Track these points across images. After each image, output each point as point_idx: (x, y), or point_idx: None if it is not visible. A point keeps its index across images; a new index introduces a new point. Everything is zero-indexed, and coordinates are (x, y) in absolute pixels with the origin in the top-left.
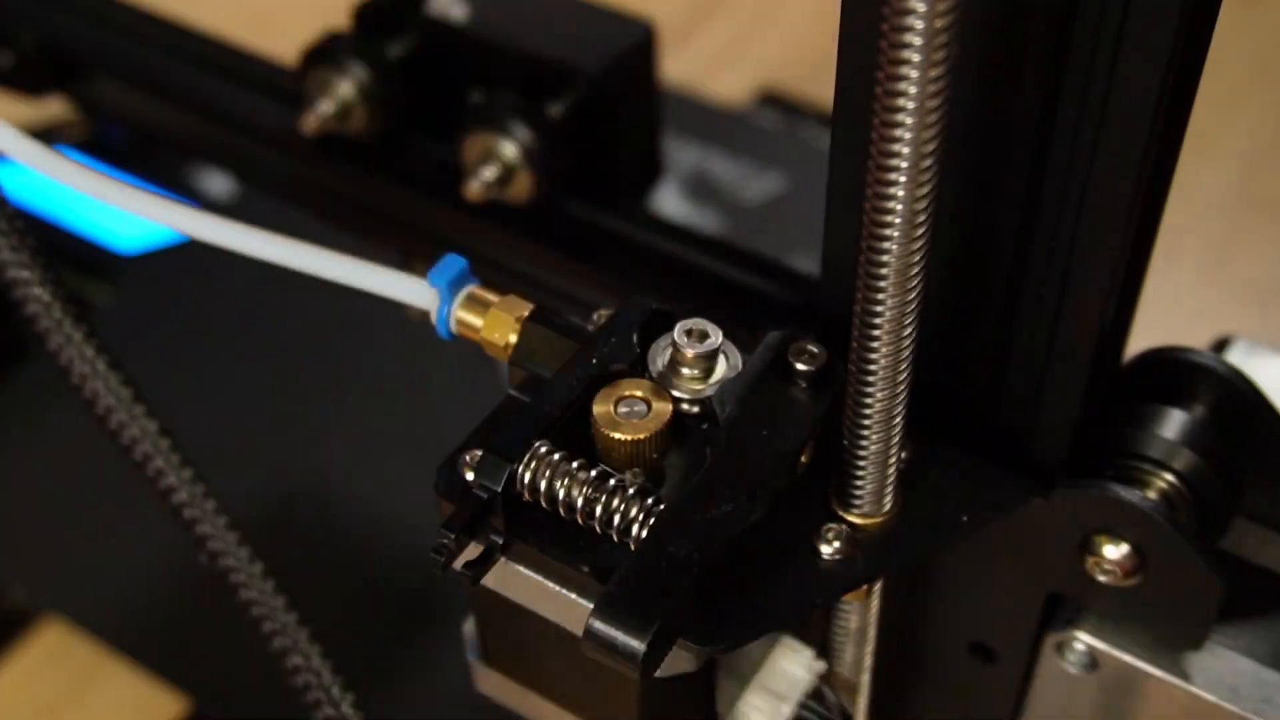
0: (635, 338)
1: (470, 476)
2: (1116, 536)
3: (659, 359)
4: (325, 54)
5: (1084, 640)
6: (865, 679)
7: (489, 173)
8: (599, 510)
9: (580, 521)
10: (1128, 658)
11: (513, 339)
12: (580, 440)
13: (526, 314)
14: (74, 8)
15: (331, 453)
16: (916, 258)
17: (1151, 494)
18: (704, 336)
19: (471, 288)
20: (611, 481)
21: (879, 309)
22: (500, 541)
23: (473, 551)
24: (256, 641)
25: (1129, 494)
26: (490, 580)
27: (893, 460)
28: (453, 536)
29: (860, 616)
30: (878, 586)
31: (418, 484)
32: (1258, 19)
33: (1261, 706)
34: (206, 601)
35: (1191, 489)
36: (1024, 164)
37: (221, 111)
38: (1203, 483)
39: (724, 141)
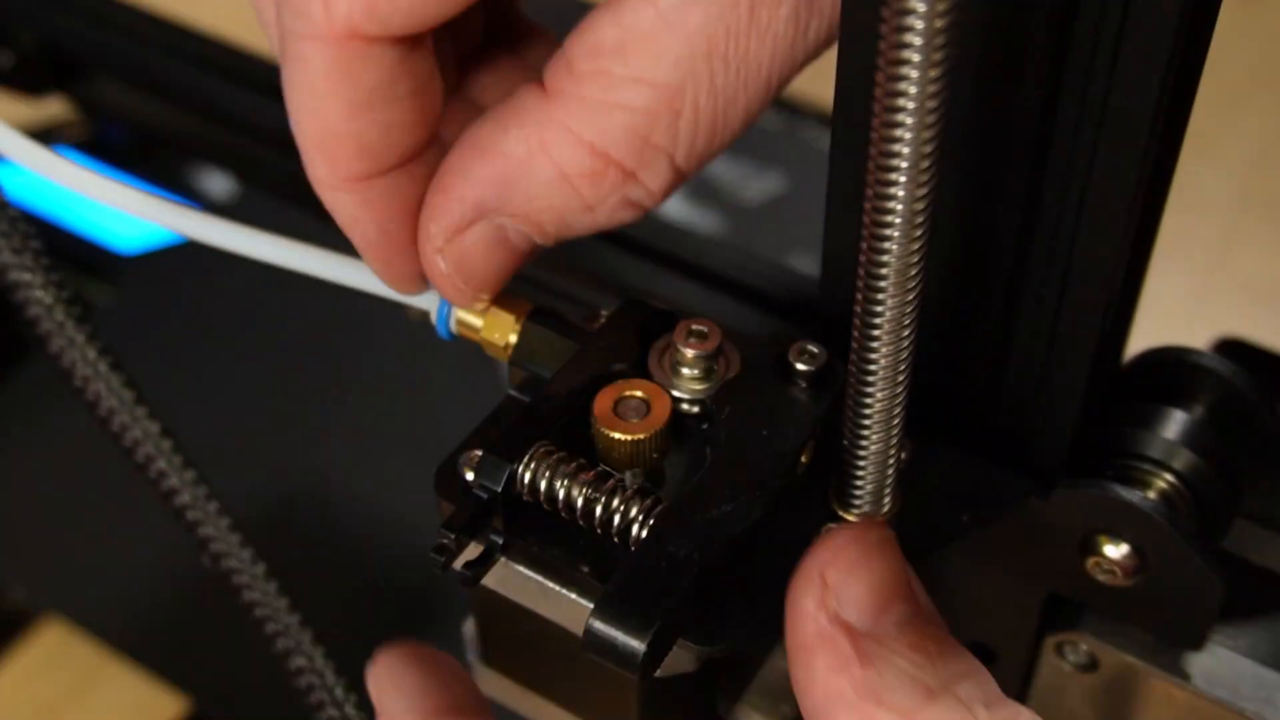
0: (635, 338)
1: (470, 476)
2: (1116, 536)
3: (659, 359)
4: None
5: (1084, 640)
6: None
7: None
8: (599, 510)
9: (580, 521)
10: (1128, 658)
11: (513, 339)
12: (580, 440)
13: (526, 314)
14: (74, 8)
15: (331, 453)
16: (916, 258)
17: (1151, 494)
18: (704, 336)
19: None
20: (611, 481)
21: (879, 309)
22: (500, 541)
23: (473, 551)
24: (257, 642)
25: (1129, 494)
26: (490, 580)
27: (893, 460)
28: (453, 536)
29: None
30: None
31: (418, 484)
32: (1258, 19)
33: (1261, 706)
34: (207, 602)
35: (1191, 489)
36: (1024, 164)
37: (221, 111)
38: (1203, 483)
39: None
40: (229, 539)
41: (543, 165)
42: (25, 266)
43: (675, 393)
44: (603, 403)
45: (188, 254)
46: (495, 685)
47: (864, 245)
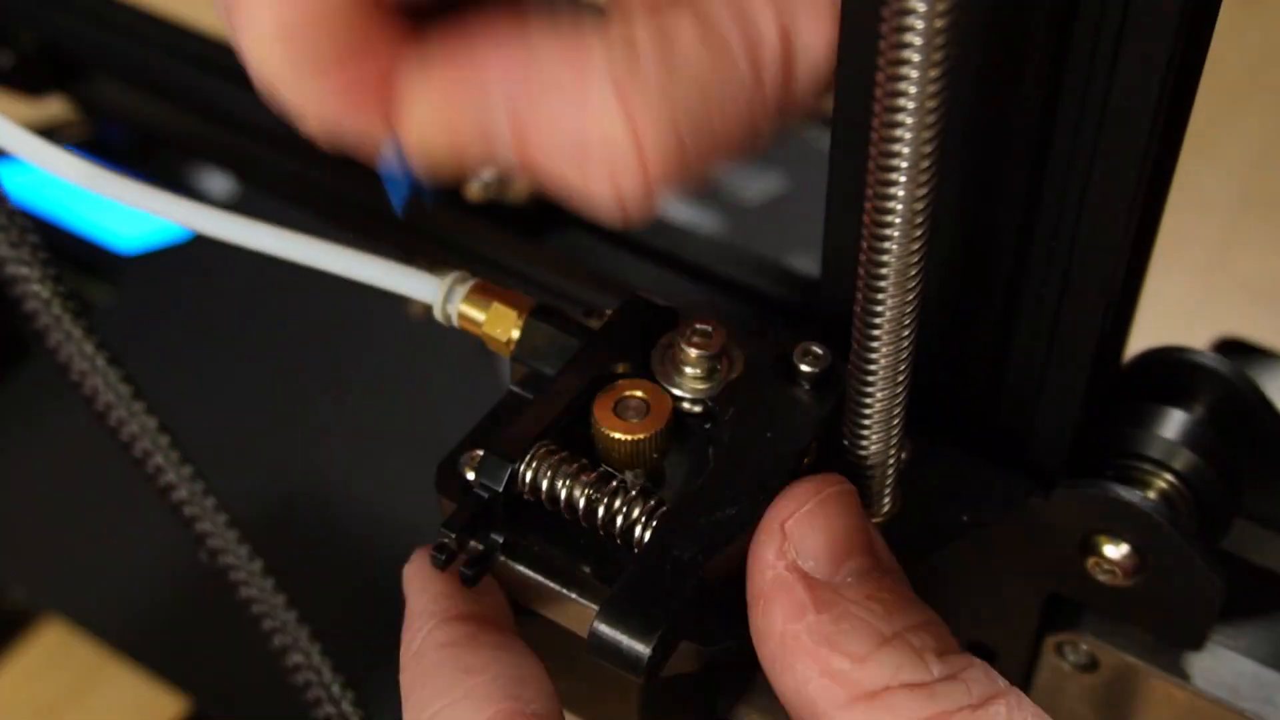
0: (638, 336)
1: (471, 475)
2: (1116, 536)
3: (661, 358)
4: None
5: (1084, 640)
6: None
7: (489, 173)
8: (600, 511)
9: (581, 522)
10: (1128, 658)
11: (515, 335)
12: (581, 440)
13: (529, 310)
14: (74, 8)
15: (331, 452)
16: (916, 258)
17: (1151, 494)
18: (707, 336)
19: (474, 282)
20: (613, 482)
21: (879, 309)
22: (500, 541)
23: (473, 550)
24: (257, 642)
25: (1129, 494)
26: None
27: (893, 460)
28: (453, 536)
29: None
30: None
31: (418, 483)
32: (1258, 19)
33: (1261, 706)
34: (207, 602)
35: (1191, 489)
36: (1024, 164)
37: (221, 111)
38: (1203, 483)
39: None
40: (226, 535)
41: None
42: (23, 261)
43: (677, 392)
44: (603, 403)
45: (188, 254)
46: None
47: (864, 245)
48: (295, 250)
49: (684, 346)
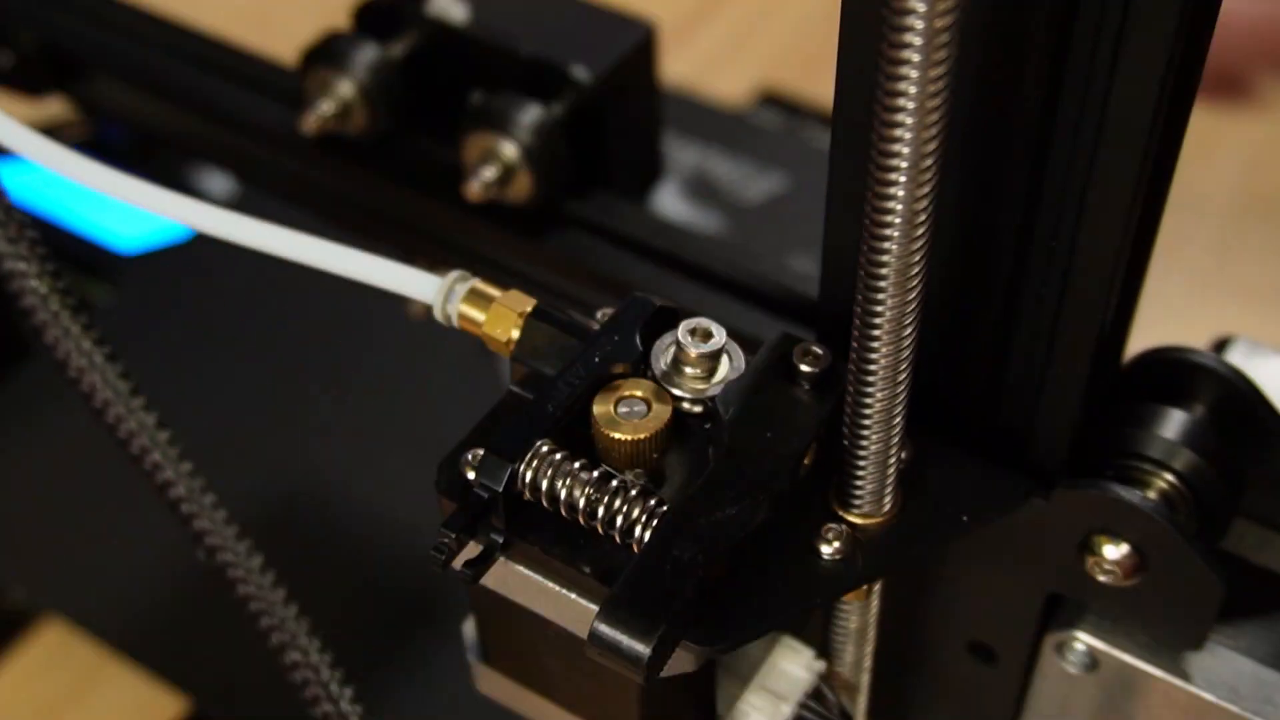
0: (638, 336)
1: (471, 475)
2: (1116, 536)
3: (662, 358)
4: (325, 54)
5: (1084, 640)
6: (865, 679)
7: (489, 173)
8: (601, 511)
9: (582, 522)
10: (1128, 658)
11: (515, 334)
12: (581, 440)
13: (529, 310)
14: (74, 8)
15: (331, 452)
16: (916, 258)
17: (1151, 494)
18: (708, 336)
19: (474, 282)
20: (614, 482)
21: (879, 309)
22: (500, 541)
23: (473, 550)
24: (258, 642)
25: (1129, 494)
26: (490, 580)
27: (893, 460)
28: (453, 535)
29: (860, 616)
30: (878, 586)
31: (418, 484)
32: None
33: (1261, 706)
34: (208, 602)
35: (1191, 489)
36: (1024, 164)
37: (221, 111)
38: (1203, 483)
39: (724, 141)
40: (224, 532)
41: None
42: (20, 257)
43: (678, 392)
44: (603, 403)
45: (188, 254)
46: (495, 685)
47: (864, 245)
48: (295, 250)
49: (684, 346)
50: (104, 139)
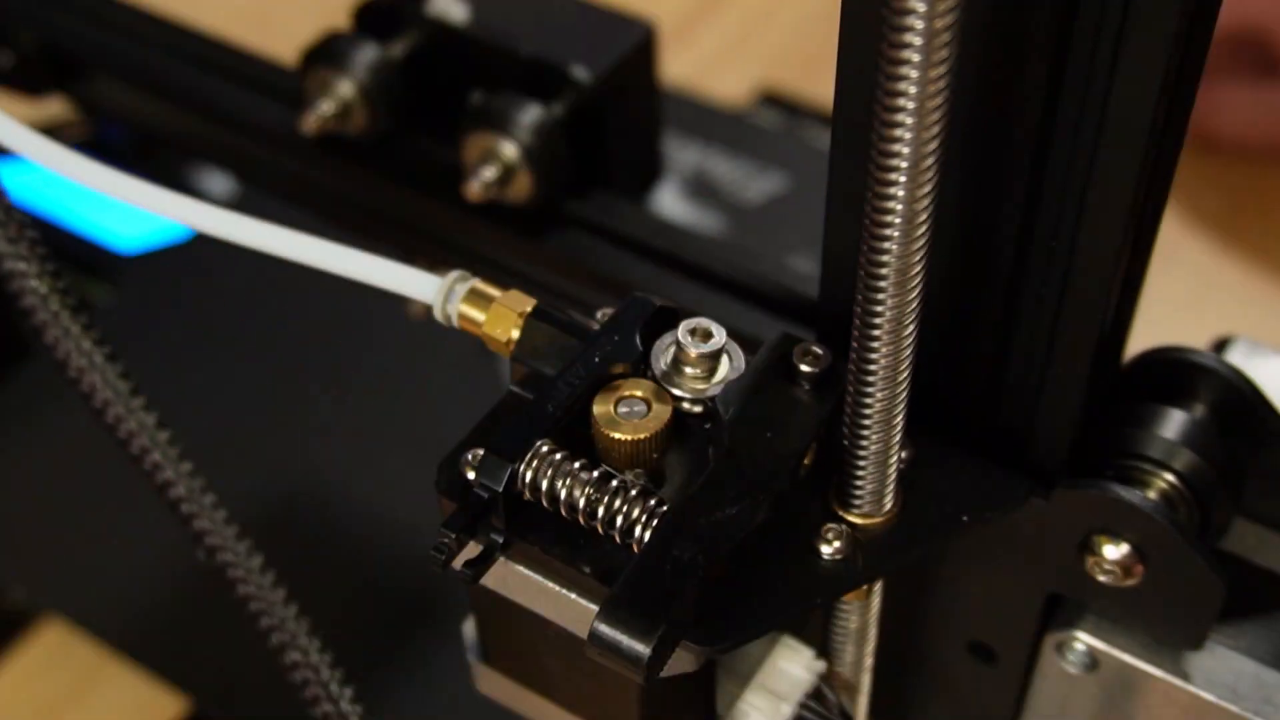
0: (638, 336)
1: (471, 475)
2: (1116, 536)
3: (662, 358)
4: (325, 54)
5: (1084, 640)
6: (865, 679)
7: (489, 173)
8: (601, 511)
9: (582, 522)
10: (1128, 658)
11: (515, 334)
12: (581, 440)
13: (529, 310)
14: (74, 8)
15: (331, 452)
16: (916, 258)
17: (1152, 494)
18: (708, 336)
19: (474, 282)
20: (614, 482)
21: (879, 309)
22: (500, 541)
23: (473, 550)
24: (258, 642)
25: (1129, 494)
26: (490, 580)
27: (893, 460)
28: (453, 535)
29: (860, 616)
30: (878, 586)
31: (418, 484)
32: None
33: (1261, 706)
34: (208, 602)
35: (1192, 489)
36: (1024, 164)
37: (221, 111)
38: (1203, 483)
39: (724, 141)
40: (223, 532)
41: None
42: (20, 256)
43: (678, 392)
44: (602, 403)
45: (188, 254)
46: (495, 685)
47: (864, 245)
48: (295, 250)
49: (684, 346)
50: (104, 139)
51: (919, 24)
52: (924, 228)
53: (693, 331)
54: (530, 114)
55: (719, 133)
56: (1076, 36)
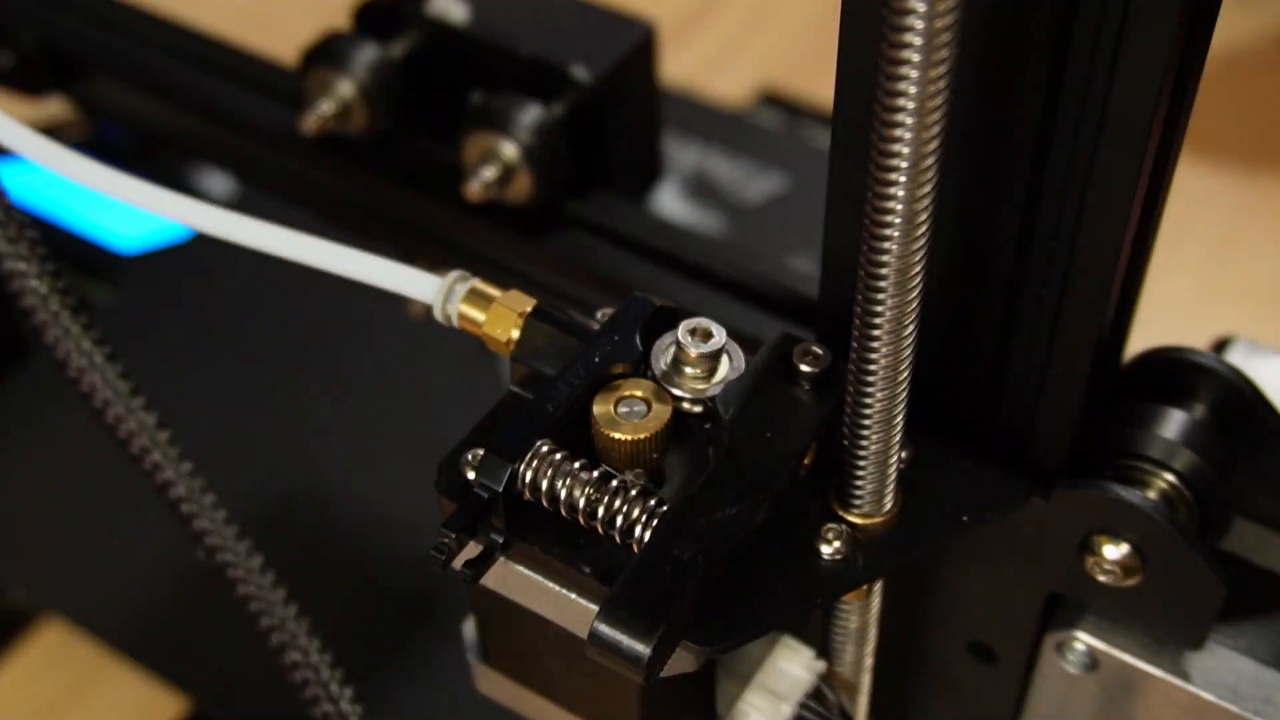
0: (638, 336)
1: (471, 475)
2: (1116, 536)
3: (662, 358)
4: (325, 54)
5: (1084, 640)
6: (865, 679)
7: (489, 173)
8: (601, 511)
9: (582, 522)
10: (1128, 658)
11: (515, 334)
12: (581, 440)
13: (529, 310)
14: (74, 8)
15: (331, 452)
16: (916, 258)
17: (1152, 494)
18: (708, 336)
19: (474, 282)
20: (614, 482)
21: (879, 309)
22: (500, 541)
23: (473, 550)
24: (257, 642)
25: (1129, 494)
26: (490, 580)
27: (893, 460)
28: (453, 535)
29: (860, 616)
30: (878, 586)
31: (418, 484)
32: (1257, 19)
33: (1261, 706)
34: (208, 602)
35: (1192, 489)
36: (1024, 164)
37: (221, 111)
38: (1203, 483)
39: (724, 141)
40: (223, 532)
41: None
42: (20, 256)
43: (678, 392)
44: (603, 403)
45: (188, 254)
46: (495, 685)
47: (864, 245)
48: (295, 250)
49: (684, 346)
50: (104, 139)
51: (919, 24)
52: (924, 228)
53: (693, 331)
54: (530, 114)
55: (719, 133)
56: (1076, 36)
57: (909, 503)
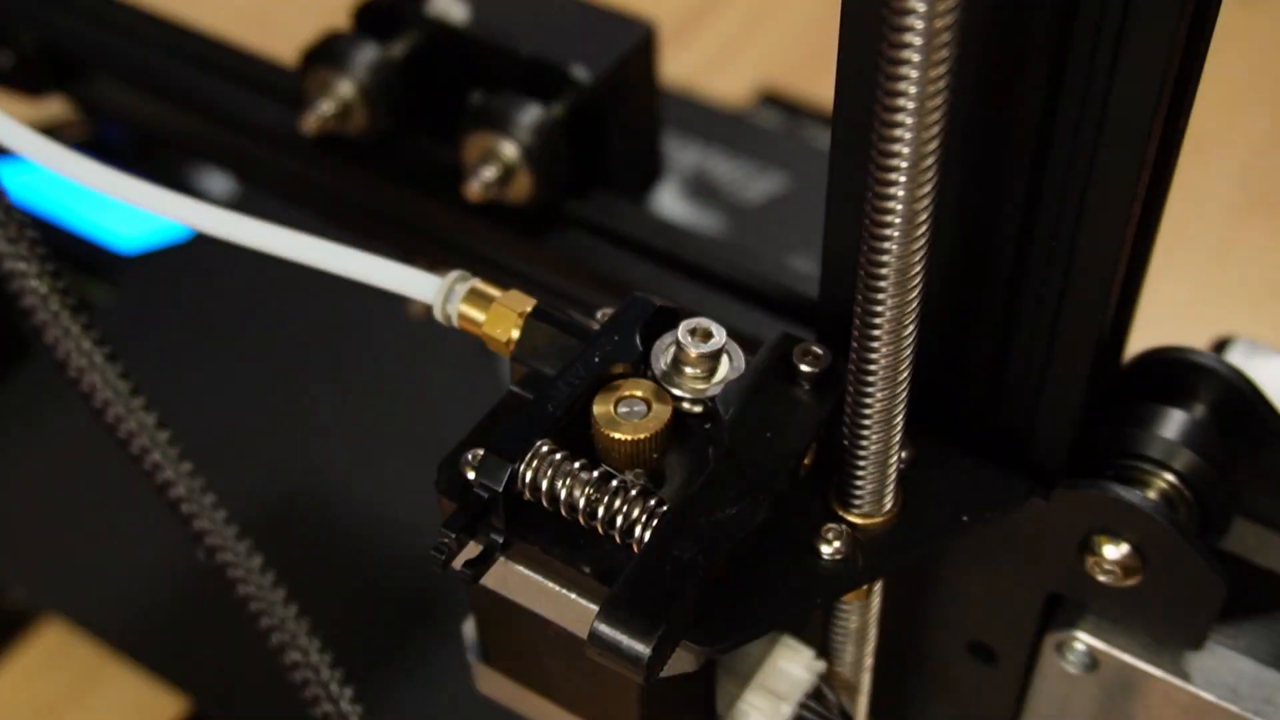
0: (638, 336)
1: (471, 475)
2: (1116, 536)
3: (662, 358)
4: (325, 54)
5: (1084, 640)
6: (865, 679)
7: (489, 173)
8: (601, 511)
9: (582, 522)
10: (1128, 658)
11: (515, 334)
12: (581, 440)
13: (529, 310)
14: (74, 8)
15: (331, 452)
16: (916, 258)
17: (1152, 494)
18: (708, 336)
19: (474, 282)
20: (614, 482)
21: (879, 309)
22: (500, 541)
23: (473, 550)
24: (257, 642)
25: (1129, 494)
26: (490, 580)
27: (893, 460)
28: (453, 535)
29: (860, 616)
30: (878, 586)
31: (418, 484)
32: (1257, 20)
33: (1261, 706)
34: (208, 602)
35: (1191, 489)
36: (1024, 164)
37: (221, 111)
38: (1203, 483)
39: (724, 141)
40: (223, 532)
41: None
42: (20, 256)
43: (678, 392)
44: (603, 403)
45: (188, 254)
46: (495, 685)
47: (864, 245)
48: (295, 250)
49: (684, 346)
50: (104, 139)
51: (919, 24)
52: (924, 228)
53: (693, 331)
54: (530, 114)
55: (719, 133)
56: (1076, 36)
57: (909, 503)
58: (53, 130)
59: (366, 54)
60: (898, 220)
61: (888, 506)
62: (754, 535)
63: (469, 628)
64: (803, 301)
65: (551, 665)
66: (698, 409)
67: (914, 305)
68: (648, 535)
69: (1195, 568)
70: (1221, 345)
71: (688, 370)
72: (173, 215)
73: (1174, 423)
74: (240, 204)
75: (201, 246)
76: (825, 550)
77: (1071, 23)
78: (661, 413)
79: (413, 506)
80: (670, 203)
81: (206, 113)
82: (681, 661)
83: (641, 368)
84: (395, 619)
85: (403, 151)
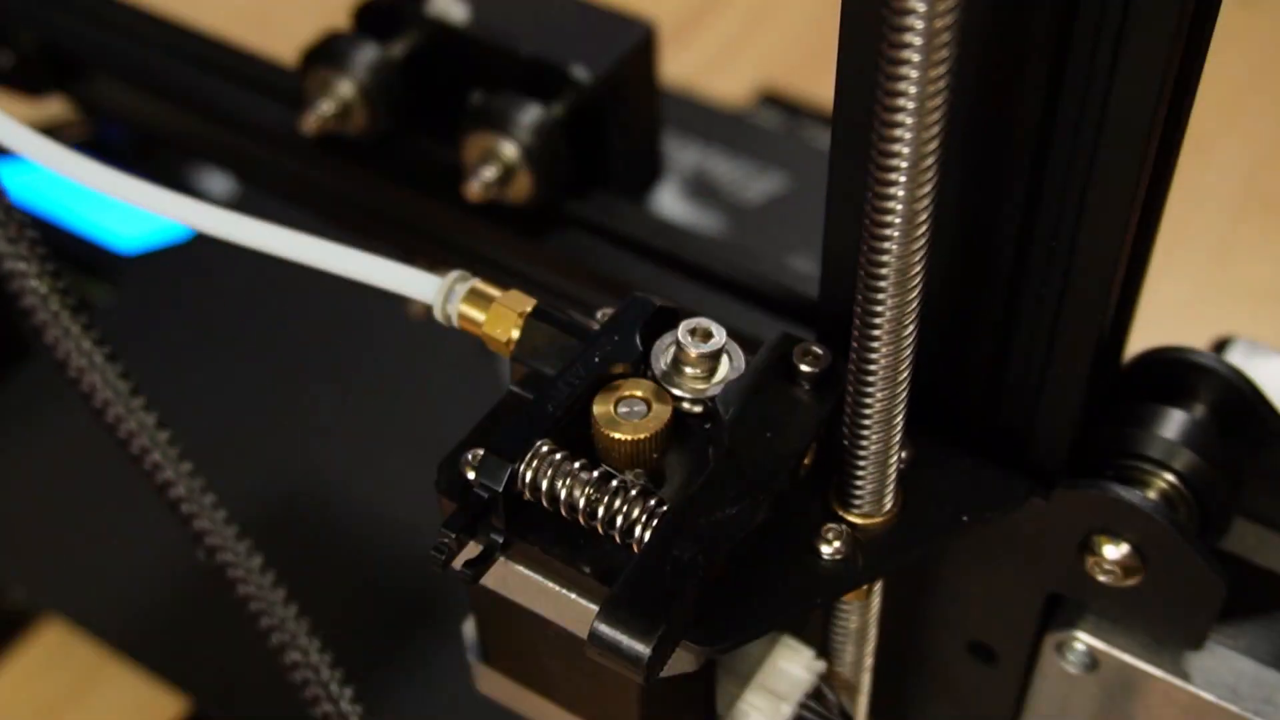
0: (638, 336)
1: (471, 475)
2: (1116, 536)
3: (662, 358)
4: (325, 54)
5: (1084, 640)
6: (865, 679)
7: (489, 173)
8: (601, 511)
9: (582, 522)
10: (1128, 658)
11: (515, 334)
12: (581, 440)
13: (529, 310)
14: (74, 8)
15: (331, 452)
16: (916, 258)
17: (1152, 494)
18: (708, 336)
19: (474, 282)
20: (614, 482)
21: (879, 309)
22: (500, 541)
23: (473, 550)
24: (257, 642)
25: (1129, 494)
26: (490, 580)
27: (893, 460)
28: (453, 535)
29: (860, 616)
30: (878, 586)
31: (418, 484)
32: (1257, 20)
33: (1261, 706)
34: (208, 602)
35: (1192, 489)
36: (1024, 164)
37: (221, 111)
38: (1203, 483)
39: (724, 141)
40: (223, 532)
41: None
42: (20, 256)
43: (678, 392)
44: (603, 403)
45: (188, 254)
46: (495, 685)
47: (864, 245)
48: (295, 250)
49: (684, 346)
50: (104, 139)
51: (919, 24)
52: (924, 228)
53: (693, 331)
54: (530, 114)
55: (719, 133)
56: (1076, 36)
57: (909, 503)
58: (53, 130)
59: (366, 54)
60: (898, 220)
61: (888, 506)
62: (754, 535)
63: (469, 628)
64: (803, 301)
65: (551, 665)
66: (698, 409)
67: (914, 305)
68: (648, 535)
69: (1195, 568)
70: (1221, 345)
71: (688, 370)
72: (173, 215)
73: (1174, 423)
74: (240, 204)
75: (201, 246)
76: (825, 550)
77: (1071, 23)
78: (661, 413)
79: (413, 506)
80: (670, 203)
81: (206, 113)
82: (681, 661)
83: (641, 368)
84: (395, 619)
85: (403, 151)
